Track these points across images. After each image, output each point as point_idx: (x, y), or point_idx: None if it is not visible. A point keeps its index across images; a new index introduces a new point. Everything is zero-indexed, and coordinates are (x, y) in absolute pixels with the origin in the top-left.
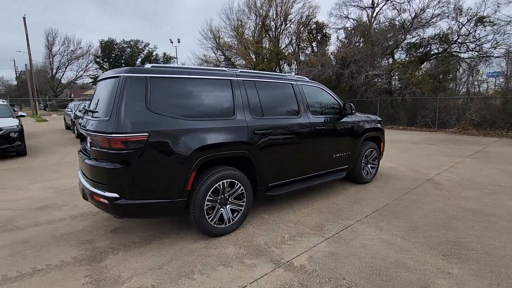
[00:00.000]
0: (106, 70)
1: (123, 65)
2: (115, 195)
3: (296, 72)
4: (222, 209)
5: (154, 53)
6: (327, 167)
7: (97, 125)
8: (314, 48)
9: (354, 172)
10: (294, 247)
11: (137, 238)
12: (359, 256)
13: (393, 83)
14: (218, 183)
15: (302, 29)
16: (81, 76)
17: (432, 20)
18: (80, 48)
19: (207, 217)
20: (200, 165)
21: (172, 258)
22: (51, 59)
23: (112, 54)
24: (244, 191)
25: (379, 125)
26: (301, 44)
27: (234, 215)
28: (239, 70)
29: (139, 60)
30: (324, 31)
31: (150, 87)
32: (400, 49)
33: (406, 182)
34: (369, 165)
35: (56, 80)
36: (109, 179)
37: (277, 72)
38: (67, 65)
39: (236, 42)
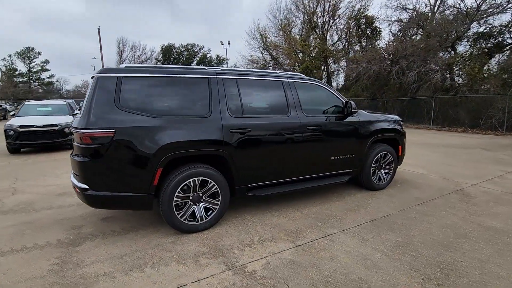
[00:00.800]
0: None
1: None
2: (85, 186)
3: (344, 70)
4: (194, 206)
5: (208, 55)
6: (323, 170)
7: (75, 122)
8: (363, 44)
9: (362, 177)
10: (257, 251)
11: (118, 228)
12: (320, 269)
13: (455, 79)
14: (189, 181)
15: (352, 24)
16: None
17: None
18: (144, 53)
19: (176, 213)
20: (167, 162)
21: (137, 250)
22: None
23: (171, 57)
24: (218, 190)
25: (397, 126)
26: (351, 40)
27: (207, 213)
28: (221, 68)
29: (194, 62)
30: (374, 25)
31: (121, 87)
32: (463, 40)
33: (428, 192)
34: (382, 170)
35: None
36: (80, 171)
37: (279, 71)
38: None
39: (282, 42)
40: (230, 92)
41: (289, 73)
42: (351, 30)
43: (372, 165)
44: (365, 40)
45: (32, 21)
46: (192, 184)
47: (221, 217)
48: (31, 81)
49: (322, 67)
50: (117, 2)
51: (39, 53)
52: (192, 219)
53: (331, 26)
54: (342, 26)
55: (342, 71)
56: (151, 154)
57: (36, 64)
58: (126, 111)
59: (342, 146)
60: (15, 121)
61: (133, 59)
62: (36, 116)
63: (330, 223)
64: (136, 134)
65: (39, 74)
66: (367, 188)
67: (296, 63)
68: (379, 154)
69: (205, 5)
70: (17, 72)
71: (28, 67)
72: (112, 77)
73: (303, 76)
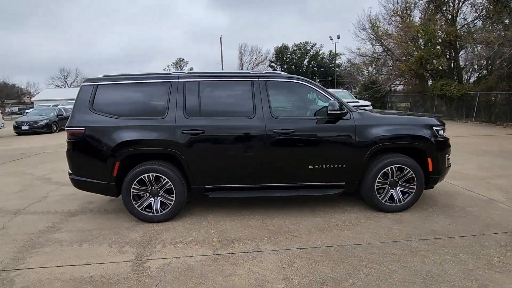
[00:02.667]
0: None
1: (293, 67)
2: (70, 171)
3: (475, 54)
4: (152, 199)
5: (321, 51)
6: (299, 179)
7: None
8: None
9: (362, 193)
10: (174, 251)
11: (99, 208)
12: (205, 283)
13: None
14: (144, 175)
15: None
16: None
17: None
18: (261, 55)
19: (133, 202)
20: (124, 157)
21: (99, 228)
22: (241, 68)
23: (284, 58)
24: (172, 186)
25: (424, 133)
26: (493, 17)
27: (162, 207)
28: (186, 72)
29: (306, 60)
30: None
31: (96, 93)
32: None
33: (460, 224)
34: (398, 188)
35: None
36: (67, 159)
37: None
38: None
39: (395, 30)
40: (190, 94)
41: (265, 71)
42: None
43: (378, 180)
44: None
45: (186, 35)
46: (147, 179)
47: (176, 212)
48: None
49: (447, 55)
50: (254, 14)
51: (187, 62)
52: (149, 211)
53: (463, 2)
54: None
55: (470, 56)
56: (111, 150)
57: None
58: (96, 113)
59: (325, 154)
60: None
61: (250, 62)
62: None
63: (278, 239)
64: (100, 132)
65: None
66: (372, 207)
67: (409, 53)
68: (388, 168)
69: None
70: None
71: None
72: (91, 85)
73: (284, 74)
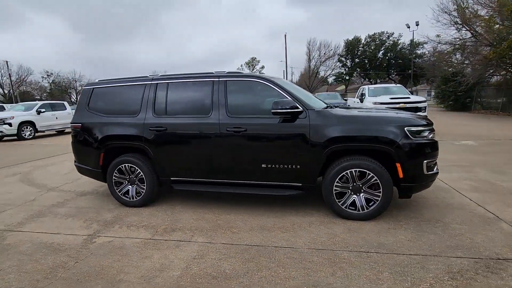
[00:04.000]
0: (348, 68)
1: (365, 60)
2: (75, 159)
3: None
4: (129, 186)
5: (400, 41)
6: (253, 178)
7: None
8: None
9: (324, 197)
10: (123, 232)
11: (105, 191)
12: (121, 260)
13: None
14: (122, 165)
15: None
16: (329, 75)
17: None
18: (330, 50)
19: (115, 187)
20: (106, 149)
21: (83, 207)
22: (309, 64)
23: (355, 51)
24: (144, 176)
25: (391, 133)
26: None
27: (137, 195)
28: (160, 75)
29: (381, 52)
30: None
31: (92, 95)
32: None
33: (421, 244)
34: (362, 195)
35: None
36: (72, 149)
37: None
38: (319, 67)
39: (483, 12)
40: (159, 95)
41: (227, 72)
42: None
43: (336, 184)
44: None
45: (265, 33)
46: (124, 168)
47: (149, 199)
48: None
49: None
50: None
51: (259, 61)
52: (128, 196)
53: None
54: None
55: None
56: (97, 142)
57: (255, 70)
58: (90, 111)
59: (278, 153)
60: None
61: (319, 57)
62: None
63: (215, 233)
64: (91, 127)
65: None
66: (335, 214)
67: (502, 37)
68: (348, 171)
69: None
70: None
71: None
72: (89, 88)
73: (245, 73)
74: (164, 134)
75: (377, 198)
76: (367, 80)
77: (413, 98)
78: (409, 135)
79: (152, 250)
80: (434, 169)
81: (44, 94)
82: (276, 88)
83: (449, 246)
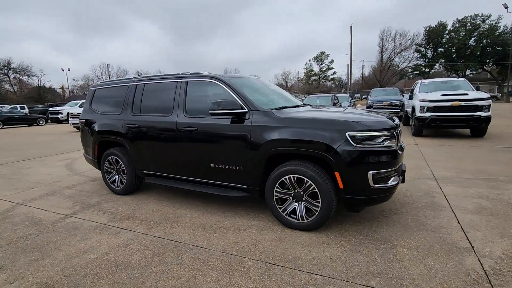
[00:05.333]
0: (428, 60)
1: (453, 49)
2: (83, 150)
3: None
4: (116, 176)
5: (501, 25)
6: (204, 176)
7: None
8: None
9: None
10: (91, 215)
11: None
12: (67, 238)
13: None
14: (109, 157)
15: None
16: (405, 67)
17: None
18: (408, 39)
19: (106, 176)
20: (99, 142)
21: (86, 190)
22: (382, 56)
23: (439, 39)
24: (124, 168)
25: (329, 138)
26: None
27: (121, 184)
28: (141, 76)
29: (473, 39)
30: None
31: (94, 95)
32: None
33: (343, 265)
34: (303, 203)
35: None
36: (81, 141)
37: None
38: (392, 59)
39: None
40: (138, 94)
41: (191, 73)
42: None
43: (276, 189)
44: None
45: (344, 25)
46: (111, 160)
47: (130, 189)
48: (320, 78)
49: None
50: None
51: (328, 55)
52: (115, 185)
53: None
54: None
55: None
56: (92, 135)
57: (324, 65)
58: (91, 110)
59: (223, 153)
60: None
61: (393, 49)
62: None
63: (158, 226)
64: (90, 122)
65: (325, 72)
66: (278, 220)
67: None
68: (286, 177)
69: None
70: (312, 72)
71: (319, 68)
72: (93, 89)
73: (204, 73)
74: (136, 131)
75: (316, 209)
76: (453, 73)
77: (472, 95)
78: (351, 141)
79: (96, 234)
80: (389, 182)
81: None
82: (226, 88)
83: (369, 272)
